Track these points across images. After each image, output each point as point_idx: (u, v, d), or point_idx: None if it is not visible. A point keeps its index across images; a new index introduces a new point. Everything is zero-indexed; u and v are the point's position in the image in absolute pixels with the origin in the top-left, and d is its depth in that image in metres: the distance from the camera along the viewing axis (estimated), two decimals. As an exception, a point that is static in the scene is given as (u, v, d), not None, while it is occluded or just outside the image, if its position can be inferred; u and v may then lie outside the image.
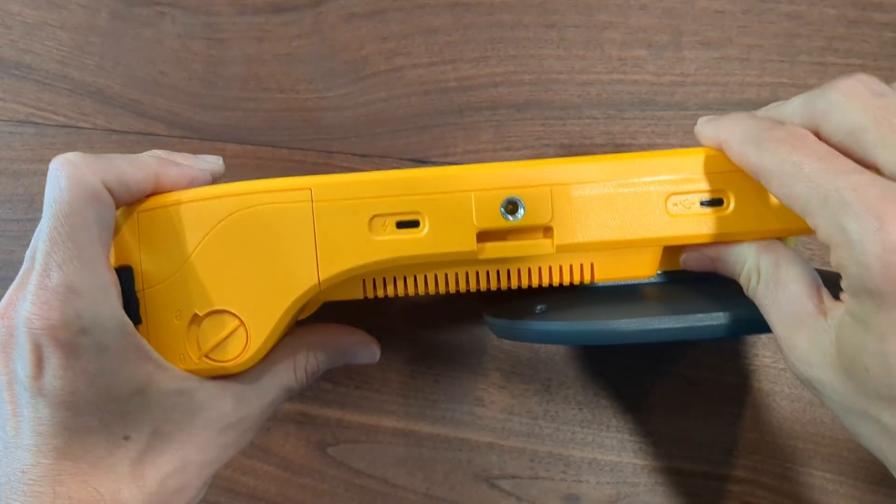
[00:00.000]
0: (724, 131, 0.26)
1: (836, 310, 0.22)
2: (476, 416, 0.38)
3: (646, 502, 0.37)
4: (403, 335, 0.38)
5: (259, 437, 0.38)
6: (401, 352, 0.38)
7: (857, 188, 0.21)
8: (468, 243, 0.27)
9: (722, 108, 0.37)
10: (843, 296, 0.22)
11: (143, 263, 0.28)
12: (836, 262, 0.21)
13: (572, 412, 0.37)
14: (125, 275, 0.27)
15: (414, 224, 0.27)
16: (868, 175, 0.21)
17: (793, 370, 0.24)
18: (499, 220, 0.27)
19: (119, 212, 0.28)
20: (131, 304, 0.27)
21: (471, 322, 0.37)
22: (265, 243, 0.27)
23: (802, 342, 0.23)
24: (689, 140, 0.37)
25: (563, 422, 0.37)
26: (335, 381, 0.38)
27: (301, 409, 0.38)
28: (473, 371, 0.37)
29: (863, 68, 0.36)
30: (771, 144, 0.23)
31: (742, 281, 0.26)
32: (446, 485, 0.38)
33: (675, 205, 0.27)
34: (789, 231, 0.27)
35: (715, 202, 0.27)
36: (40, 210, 0.38)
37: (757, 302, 0.25)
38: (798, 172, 0.22)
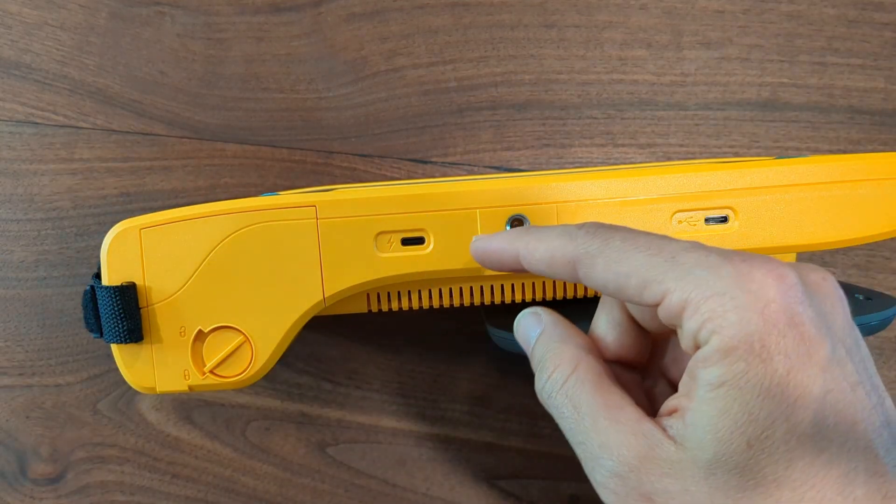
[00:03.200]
0: (520, 242, 0.23)
1: (679, 410, 0.19)
2: (476, 416, 0.38)
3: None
4: (403, 335, 0.38)
5: (259, 437, 0.38)
6: (401, 352, 0.38)
7: (698, 248, 0.19)
8: (473, 260, 0.27)
9: (722, 108, 0.37)
10: (686, 386, 0.19)
11: (147, 280, 0.28)
12: (695, 325, 0.19)
13: (572, 412, 0.37)
14: (129, 292, 0.27)
15: (419, 241, 0.27)
16: (695, 242, 0.20)
17: None
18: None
19: (122, 229, 0.28)
20: (135, 320, 0.27)
21: (471, 322, 0.37)
22: (270, 260, 0.27)
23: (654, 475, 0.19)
24: (688, 140, 0.37)
25: (563, 422, 0.37)
26: (335, 381, 0.38)
27: (301, 409, 0.38)
28: (473, 371, 0.37)
29: (863, 68, 0.36)
30: (583, 231, 0.22)
31: (530, 363, 0.24)
32: (446, 485, 0.38)
33: (681, 222, 0.27)
34: (796, 248, 0.27)
35: (720, 219, 0.27)
36: (40, 210, 0.38)
37: (547, 404, 0.22)
38: (630, 246, 0.20)
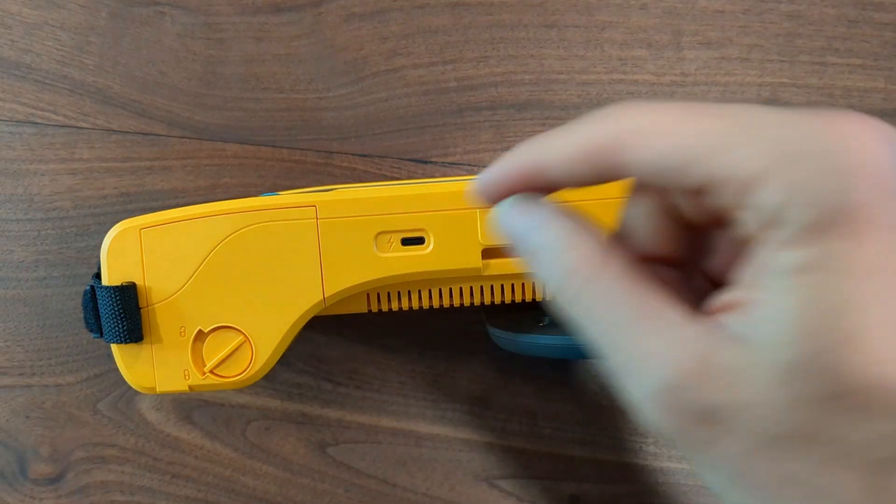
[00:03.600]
0: (534, 146, 0.19)
1: (741, 305, 0.16)
2: (476, 416, 0.38)
3: (646, 503, 0.37)
4: (403, 335, 0.38)
5: (259, 437, 0.38)
6: (400, 352, 0.38)
7: (768, 108, 0.16)
8: (473, 260, 0.27)
9: (722, 108, 0.37)
10: (752, 274, 0.16)
11: (147, 280, 0.28)
12: (774, 197, 0.15)
13: (572, 412, 0.37)
14: (129, 292, 0.27)
15: (419, 241, 0.27)
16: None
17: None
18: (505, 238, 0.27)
19: (122, 229, 0.28)
20: (135, 320, 0.27)
21: (471, 321, 0.37)
22: (270, 260, 0.28)
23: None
24: (689, 140, 0.37)
25: (563, 422, 0.37)
26: (335, 381, 0.38)
27: (301, 409, 0.38)
28: (473, 371, 0.37)
29: (863, 68, 0.36)
30: (619, 109, 0.17)
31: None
32: (446, 485, 0.38)
33: None
34: None
35: None
36: (40, 210, 0.38)
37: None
38: (686, 114, 0.16)
